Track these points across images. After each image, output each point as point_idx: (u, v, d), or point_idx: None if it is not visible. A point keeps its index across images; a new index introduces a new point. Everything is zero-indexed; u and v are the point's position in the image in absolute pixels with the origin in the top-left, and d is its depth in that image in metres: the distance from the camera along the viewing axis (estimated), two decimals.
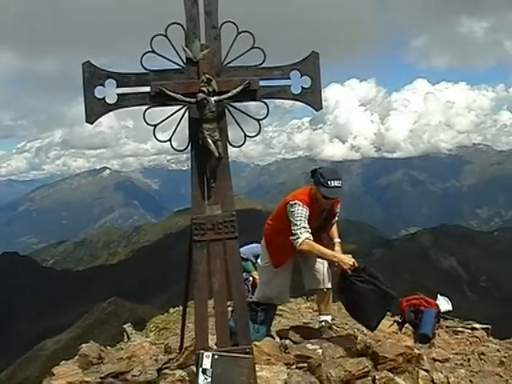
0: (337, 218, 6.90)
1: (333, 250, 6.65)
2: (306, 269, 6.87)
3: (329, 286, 6.87)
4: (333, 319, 8.18)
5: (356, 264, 6.14)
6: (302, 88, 5.27)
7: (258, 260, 6.98)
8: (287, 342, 6.35)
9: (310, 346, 6.02)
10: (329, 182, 6.18)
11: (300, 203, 6.32)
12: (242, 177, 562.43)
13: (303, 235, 6.19)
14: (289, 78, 5.26)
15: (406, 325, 7.58)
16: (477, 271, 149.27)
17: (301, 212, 6.28)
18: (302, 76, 5.25)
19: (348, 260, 6.16)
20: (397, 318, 7.99)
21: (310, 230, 6.24)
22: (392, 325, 7.46)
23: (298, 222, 6.24)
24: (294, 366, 5.76)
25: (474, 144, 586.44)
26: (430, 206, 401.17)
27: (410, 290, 8.58)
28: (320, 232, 6.64)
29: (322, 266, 6.78)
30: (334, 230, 6.98)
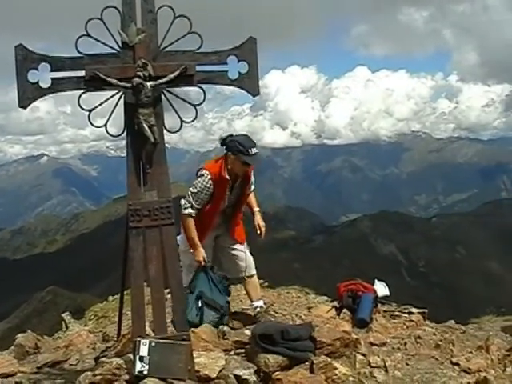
0: (253, 187, 6.98)
1: (253, 219, 6.92)
2: (226, 257, 6.96)
3: (252, 272, 6.97)
4: (271, 304, 8.22)
5: (203, 263, 6.44)
6: (239, 73, 5.24)
7: (180, 245, 6.82)
8: (225, 328, 6.34)
9: (247, 332, 6.01)
10: (249, 150, 6.34)
11: (208, 176, 6.43)
12: (182, 164, 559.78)
13: (187, 210, 6.43)
14: (226, 64, 5.23)
15: (344, 310, 7.63)
16: (415, 257, 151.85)
17: (201, 186, 6.42)
18: (239, 61, 5.22)
19: (199, 257, 6.41)
20: (335, 303, 8.05)
21: (198, 208, 6.43)
22: (330, 310, 7.51)
23: (192, 196, 6.45)
24: (232, 352, 5.76)
25: (413, 131, 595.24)
26: (369, 193, 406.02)
27: (350, 276, 8.63)
28: (239, 202, 6.74)
29: (243, 253, 6.86)
30: (252, 199, 7.05)
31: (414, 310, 8.15)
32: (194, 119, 5.11)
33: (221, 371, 5.11)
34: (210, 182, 6.40)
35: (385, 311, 7.93)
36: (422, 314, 8.06)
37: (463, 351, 6.59)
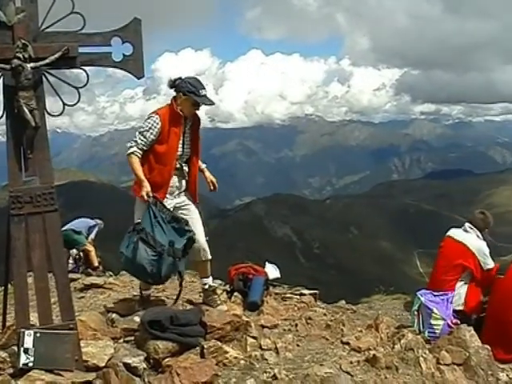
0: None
1: (204, 175, 6.89)
2: None
3: (208, 257, 6.79)
4: (163, 290, 8.14)
5: (146, 197, 6.11)
6: (124, 55, 5.11)
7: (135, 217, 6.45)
8: (114, 315, 6.24)
9: (137, 319, 5.93)
10: (200, 91, 6.27)
11: (155, 116, 6.33)
12: (74, 148, 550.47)
13: (133, 148, 6.30)
14: (110, 45, 5.09)
15: (236, 293, 7.64)
16: (310, 238, 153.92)
17: (148, 125, 6.29)
18: (123, 43, 5.09)
19: (145, 190, 6.12)
20: (226, 287, 8.05)
21: (143, 147, 6.31)
22: (221, 294, 7.49)
23: (138, 136, 6.31)
24: (121, 340, 5.68)
25: (306, 115, 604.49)
26: (264, 176, 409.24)
27: (245, 259, 8.65)
28: (193, 151, 6.62)
29: (201, 237, 6.65)
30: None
31: (305, 291, 8.26)
32: (77, 102, 4.96)
33: (110, 360, 5.01)
34: (158, 121, 6.28)
35: (276, 293, 7.99)
36: (313, 296, 8.17)
37: (353, 330, 6.72)
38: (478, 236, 7.70)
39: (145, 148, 6.31)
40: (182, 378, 4.84)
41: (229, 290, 7.81)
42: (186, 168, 6.56)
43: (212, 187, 6.95)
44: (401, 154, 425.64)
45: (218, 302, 6.85)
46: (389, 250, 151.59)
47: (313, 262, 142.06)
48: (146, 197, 6.09)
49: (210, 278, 7.03)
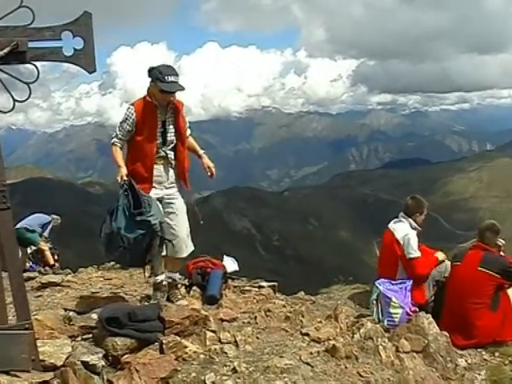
0: (190, 131, 6.87)
1: (202, 161, 6.88)
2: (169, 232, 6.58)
3: (183, 254, 6.82)
4: (121, 286, 8.09)
5: (119, 180, 6.14)
6: (75, 50, 5.03)
7: None
8: (71, 313, 6.17)
9: (94, 316, 5.87)
10: (166, 77, 6.19)
11: (131, 107, 6.39)
12: (29, 145, 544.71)
13: (113, 139, 6.45)
14: (60, 39, 5.00)
15: (194, 287, 7.62)
16: (269, 231, 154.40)
17: (124, 116, 6.38)
18: (74, 37, 5.00)
19: (119, 174, 6.18)
20: (185, 281, 8.02)
21: (121, 138, 6.42)
22: (180, 288, 7.47)
23: (117, 128, 6.45)
24: (79, 338, 5.59)
25: (263, 107, 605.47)
26: (222, 169, 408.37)
27: (205, 253, 8.61)
28: (179, 140, 6.59)
29: (181, 232, 6.64)
30: (194, 143, 6.99)
31: (264, 283, 8.26)
32: (28, 98, 4.88)
33: (67, 358, 4.94)
34: (132, 111, 6.33)
35: (235, 286, 7.99)
36: (272, 288, 8.18)
37: (313, 321, 6.74)
38: (410, 224, 7.82)
39: (123, 138, 6.42)
40: (141, 374, 4.80)
41: (187, 284, 7.79)
42: (171, 156, 6.54)
43: (209, 173, 6.90)
44: (358, 145, 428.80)
45: (179, 296, 6.87)
46: (348, 240, 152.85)
47: (272, 254, 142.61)
48: (119, 180, 6.13)
49: (177, 273, 7.06)
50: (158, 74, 6.23)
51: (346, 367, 5.50)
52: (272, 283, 8.38)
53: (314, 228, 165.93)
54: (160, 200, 6.42)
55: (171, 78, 6.22)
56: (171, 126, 6.52)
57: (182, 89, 6.31)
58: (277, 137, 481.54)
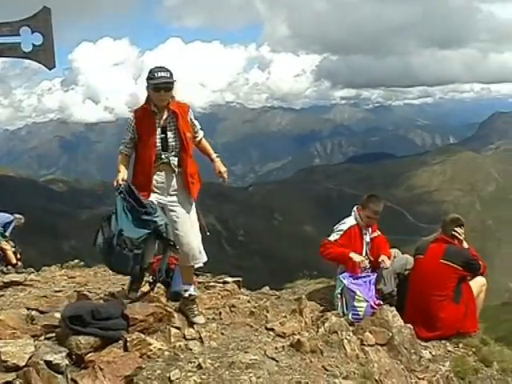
0: (202, 133, 6.60)
1: (214, 165, 6.56)
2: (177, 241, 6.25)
3: (197, 263, 6.54)
4: (85, 284, 8.03)
5: (115, 184, 5.94)
6: (33, 45, 4.98)
7: None
8: (33, 312, 6.10)
9: (57, 315, 5.80)
10: (155, 74, 5.97)
11: (131, 115, 6.24)
12: None
13: (120, 147, 6.21)
14: (19, 35, 4.94)
15: (158, 284, 7.57)
16: (234, 226, 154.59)
17: (127, 124, 6.23)
18: (32, 33, 4.96)
19: (116, 178, 5.97)
20: (149, 278, 7.97)
21: (126, 145, 6.19)
22: (144, 285, 7.41)
23: (124, 136, 6.25)
24: (42, 338, 5.53)
25: (227, 102, 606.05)
26: None
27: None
28: (182, 146, 6.21)
29: (190, 240, 6.32)
30: (207, 146, 6.67)
31: (228, 279, 8.26)
32: None
33: (30, 358, 4.90)
34: (132, 118, 6.16)
35: (199, 282, 7.97)
36: (236, 283, 8.18)
37: (277, 316, 6.76)
38: (355, 217, 7.93)
39: (128, 146, 6.22)
40: (106, 372, 4.78)
41: (151, 281, 7.73)
42: (174, 162, 6.20)
43: (221, 178, 6.61)
44: (322, 139, 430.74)
45: (196, 312, 6.47)
46: (312, 235, 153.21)
47: (238, 249, 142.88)
48: (114, 184, 5.94)
49: (192, 286, 6.65)
50: (149, 74, 6.07)
51: (311, 361, 5.52)
52: (237, 279, 8.37)
53: (279, 223, 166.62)
54: (163, 207, 6.14)
55: (160, 74, 6.00)
56: (173, 132, 6.22)
57: (171, 83, 6.06)
58: (241, 132, 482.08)
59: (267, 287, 8.95)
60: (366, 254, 7.96)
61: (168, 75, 6.03)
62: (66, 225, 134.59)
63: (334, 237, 7.82)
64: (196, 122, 6.53)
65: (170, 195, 6.22)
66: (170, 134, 6.17)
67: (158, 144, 6.11)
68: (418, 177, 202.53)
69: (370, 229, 8.07)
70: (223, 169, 6.52)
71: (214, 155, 6.61)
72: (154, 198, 6.09)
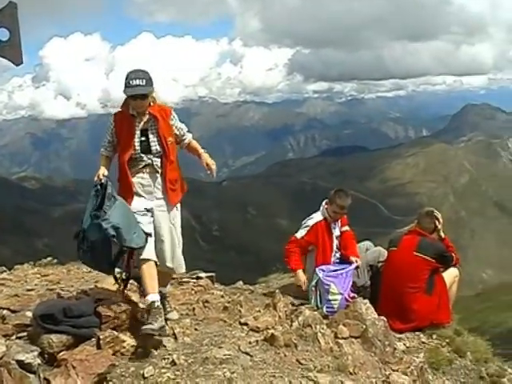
0: (190, 134, 6.48)
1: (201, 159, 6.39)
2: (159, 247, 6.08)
3: (170, 271, 6.31)
4: (58, 282, 7.97)
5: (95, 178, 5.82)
6: (0, 41, 4.92)
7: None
8: (5, 312, 6.04)
9: (29, 314, 5.75)
10: (131, 81, 5.78)
11: (111, 117, 6.13)
12: None
13: (100, 150, 6.14)
14: None
15: (131, 281, 7.53)
16: (208, 221, 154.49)
17: (106, 128, 6.12)
18: None
19: (97, 174, 5.83)
20: (122, 274, 7.93)
21: (106, 147, 6.09)
22: (116, 283, 7.39)
23: (103, 138, 6.16)
24: (13, 337, 5.48)
25: (200, 97, 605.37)
26: None
27: None
28: (164, 151, 6.02)
29: (166, 246, 6.12)
30: (195, 145, 6.53)
31: (202, 274, 8.25)
32: None
33: (1, 358, 4.84)
34: (112, 121, 6.06)
35: (173, 278, 7.91)
36: (210, 278, 8.17)
37: (251, 311, 6.77)
38: (323, 212, 7.98)
39: (108, 148, 6.12)
40: (78, 370, 4.75)
41: (124, 277, 7.69)
42: (157, 163, 6.04)
43: (209, 171, 6.38)
44: (295, 133, 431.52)
45: (169, 308, 6.46)
46: (287, 229, 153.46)
47: (212, 244, 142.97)
48: (95, 178, 5.82)
49: (166, 287, 6.54)
50: (125, 80, 5.84)
51: (285, 355, 5.53)
52: (210, 274, 8.37)
53: (253, 217, 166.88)
54: (150, 210, 5.99)
55: (135, 82, 5.78)
56: (154, 135, 6.03)
57: (145, 92, 5.85)
58: (214, 127, 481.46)
59: (241, 282, 8.95)
60: (337, 248, 7.99)
61: (144, 83, 5.83)
62: (38, 222, 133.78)
63: (300, 233, 7.88)
64: (182, 126, 6.40)
65: (158, 199, 6.07)
66: (151, 137, 6.01)
67: (138, 147, 5.96)
68: (391, 169, 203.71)
69: (339, 223, 8.10)
70: (210, 161, 6.37)
71: (201, 150, 6.49)
72: (139, 202, 5.96)
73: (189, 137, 6.48)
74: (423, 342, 6.97)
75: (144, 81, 5.82)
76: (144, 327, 5.36)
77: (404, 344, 6.79)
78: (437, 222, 7.64)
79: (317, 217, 7.95)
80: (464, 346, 6.96)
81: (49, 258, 10.99)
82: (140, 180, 6.01)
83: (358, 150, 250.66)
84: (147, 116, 6.01)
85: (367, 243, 8.41)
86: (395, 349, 6.35)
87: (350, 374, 5.55)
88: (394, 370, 5.90)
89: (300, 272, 7.82)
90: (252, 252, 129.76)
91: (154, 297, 5.67)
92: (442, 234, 7.71)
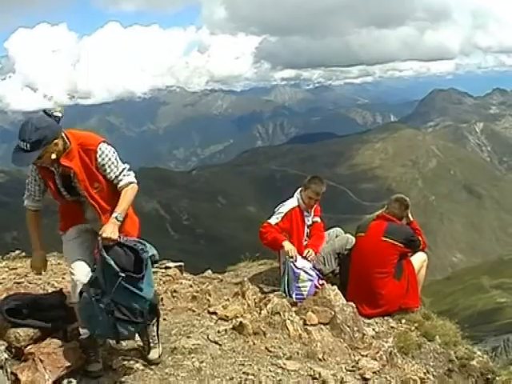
0: (127, 180, 5.25)
1: None
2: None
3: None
4: (25, 275, 7.89)
5: None
6: None
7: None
8: None
9: None
10: (17, 143, 4.78)
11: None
12: None
13: (24, 203, 5.29)
14: None
15: None
16: (178, 211, 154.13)
17: (30, 175, 5.24)
18: None
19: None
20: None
21: (26, 197, 5.30)
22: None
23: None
24: None
25: (167, 86, 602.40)
26: (127, 151, 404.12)
27: None
28: (89, 182, 5.07)
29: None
30: (123, 197, 5.24)
31: (170, 264, 8.22)
32: None
33: None
34: (34, 168, 5.16)
35: None
36: (178, 268, 8.14)
37: (220, 300, 6.77)
38: (297, 199, 7.96)
39: (29, 199, 5.31)
40: (46, 364, 4.71)
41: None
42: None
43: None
44: (264, 121, 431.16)
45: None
46: (256, 217, 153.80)
47: (182, 233, 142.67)
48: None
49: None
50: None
51: (254, 343, 5.56)
52: (179, 263, 8.34)
53: (223, 206, 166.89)
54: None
55: (20, 144, 4.77)
56: (84, 176, 5.05)
57: (23, 164, 4.89)
58: (182, 116, 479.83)
59: (209, 271, 8.92)
60: (308, 236, 7.98)
61: (28, 147, 4.75)
62: (7, 216, 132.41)
63: (274, 220, 7.78)
64: (118, 165, 5.18)
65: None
66: (75, 183, 5.11)
67: (64, 192, 5.19)
68: (360, 155, 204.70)
69: (312, 212, 8.08)
70: (105, 229, 4.91)
71: (116, 210, 5.08)
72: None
73: (124, 181, 5.25)
74: (392, 327, 7.02)
75: (29, 144, 4.76)
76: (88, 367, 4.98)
77: (373, 329, 6.83)
78: (407, 211, 7.69)
79: (291, 203, 7.90)
80: (433, 329, 7.02)
81: (17, 252, 10.89)
82: (86, 215, 5.37)
83: (327, 137, 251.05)
84: (61, 168, 5.06)
85: (337, 230, 8.41)
86: (364, 334, 6.39)
87: (319, 360, 5.59)
88: (363, 356, 5.96)
89: (287, 242, 7.62)
90: (222, 240, 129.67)
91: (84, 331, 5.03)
92: (411, 217, 7.76)
